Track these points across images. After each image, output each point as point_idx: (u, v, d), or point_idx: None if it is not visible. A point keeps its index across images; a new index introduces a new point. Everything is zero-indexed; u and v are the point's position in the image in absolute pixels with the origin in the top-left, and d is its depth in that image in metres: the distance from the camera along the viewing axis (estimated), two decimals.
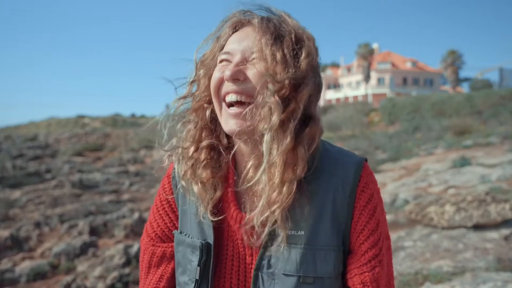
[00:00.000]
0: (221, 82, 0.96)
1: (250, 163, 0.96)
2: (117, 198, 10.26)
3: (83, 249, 6.00)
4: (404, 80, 58.03)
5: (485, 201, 4.88)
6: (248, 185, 0.94)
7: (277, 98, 0.88)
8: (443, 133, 18.00)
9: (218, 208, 1.03)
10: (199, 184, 1.00)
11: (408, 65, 60.12)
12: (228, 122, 0.95)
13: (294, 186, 0.90)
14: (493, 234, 4.57)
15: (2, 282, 5.06)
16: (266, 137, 0.89)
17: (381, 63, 57.97)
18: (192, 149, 1.02)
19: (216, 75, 0.98)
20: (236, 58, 0.95)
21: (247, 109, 0.92)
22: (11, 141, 26.36)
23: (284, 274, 0.93)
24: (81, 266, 5.44)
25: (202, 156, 1.01)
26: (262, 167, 0.90)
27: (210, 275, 1.00)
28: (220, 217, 1.01)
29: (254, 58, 0.93)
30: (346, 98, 55.07)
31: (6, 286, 5.00)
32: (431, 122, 22.65)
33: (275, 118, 0.88)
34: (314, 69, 0.96)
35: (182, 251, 1.04)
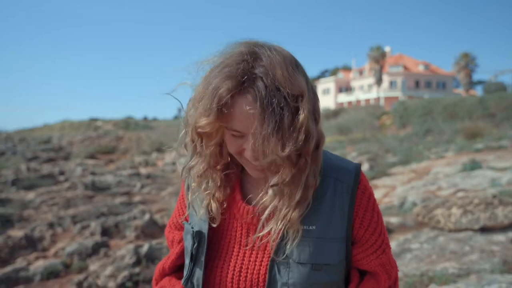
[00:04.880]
0: (239, 153, 1.05)
1: (266, 188, 1.08)
2: (129, 200, 10.39)
3: (95, 249, 6.12)
4: (417, 83, 57.63)
5: (492, 204, 4.88)
6: (263, 202, 1.08)
7: (287, 165, 1.01)
8: (455, 136, 17.88)
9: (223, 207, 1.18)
10: (216, 203, 1.14)
11: (421, 68, 59.71)
12: (254, 172, 1.08)
13: (310, 202, 1.06)
14: (500, 237, 4.58)
15: (17, 280, 5.20)
16: (285, 188, 1.04)
17: (393, 66, 57.67)
18: (204, 167, 1.12)
19: (232, 145, 1.05)
20: (250, 140, 1.00)
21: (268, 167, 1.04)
22: (25, 143, 26.82)
23: (298, 262, 1.06)
24: (93, 265, 5.56)
25: (218, 175, 1.13)
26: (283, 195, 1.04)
27: (204, 258, 1.13)
28: (223, 217, 1.17)
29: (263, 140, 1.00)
30: (358, 101, 54.86)
31: (21, 284, 5.15)
32: (443, 125, 22.50)
33: (287, 175, 1.01)
34: (313, 117, 1.04)
35: (188, 239, 1.19)
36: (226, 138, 1.06)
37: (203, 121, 1.01)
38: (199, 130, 1.03)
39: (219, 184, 1.14)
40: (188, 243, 1.18)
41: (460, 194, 6.97)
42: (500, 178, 7.73)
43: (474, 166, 9.30)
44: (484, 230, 4.77)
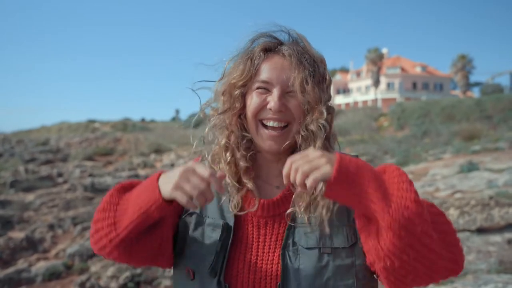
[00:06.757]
0: (261, 108, 1.15)
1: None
2: None
3: None
4: (414, 85, 57.82)
5: (488, 205, 4.95)
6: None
7: (320, 125, 1.12)
8: (452, 138, 17.98)
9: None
10: (236, 188, 1.20)
11: (418, 70, 59.89)
12: (267, 142, 1.16)
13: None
14: (497, 238, 4.65)
15: (19, 281, 5.25)
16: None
17: (391, 68, 57.84)
18: (228, 155, 1.21)
19: (255, 100, 1.16)
20: (277, 90, 1.13)
21: (285, 131, 1.15)
22: (23, 145, 26.76)
23: (307, 248, 1.13)
24: (94, 266, 5.60)
25: (242, 163, 1.20)
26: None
27: (228, 249, 1.18)
28: (240, 208, 1.21)
29: (292, 91, 1.13)
30: (356, 103, 54.94)
31: (23, 285, 5.20)
32: (440, 127, 22.60)
33: (320, 141, 1.12)
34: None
35: (200, 230, 1.21)
36: (249, 99, 1.17)
37: (237, 73, 1.17)
38: (232, 81, 1.18)
39: (244, 169, 1.20)
40: (208, 237, 1.19)
41: (458, 195, 7.04)
42: (497, 180, 7.80)
43: (471, 167, 9.37)
44: (481, 231, 4.84)
